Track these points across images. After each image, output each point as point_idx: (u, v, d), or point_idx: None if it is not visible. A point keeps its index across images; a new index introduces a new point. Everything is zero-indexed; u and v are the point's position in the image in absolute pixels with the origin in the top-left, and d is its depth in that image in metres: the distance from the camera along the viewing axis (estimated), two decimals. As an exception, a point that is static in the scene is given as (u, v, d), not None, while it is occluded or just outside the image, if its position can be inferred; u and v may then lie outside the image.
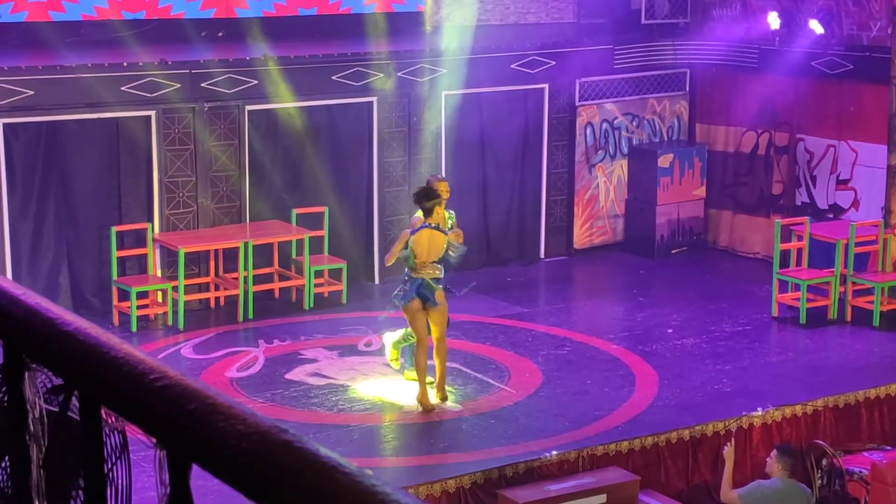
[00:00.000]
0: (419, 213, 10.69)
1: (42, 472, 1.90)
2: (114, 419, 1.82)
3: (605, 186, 16.27)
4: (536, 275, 15.28)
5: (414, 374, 10.92)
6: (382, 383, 11.51)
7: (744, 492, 9.67)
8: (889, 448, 11.09)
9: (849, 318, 13.48)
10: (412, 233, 10.54)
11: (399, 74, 14.44)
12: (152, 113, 13.27)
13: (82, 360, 1.59)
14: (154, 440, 1.52)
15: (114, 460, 2.19)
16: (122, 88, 12.98)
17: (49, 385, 1.92)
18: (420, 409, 10.70)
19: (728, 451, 9.99)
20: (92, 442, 1.65)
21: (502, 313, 13.41)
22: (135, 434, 1.65)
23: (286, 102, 13.79)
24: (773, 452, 9.84)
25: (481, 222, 15.44)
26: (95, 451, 1.67)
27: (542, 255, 15.80)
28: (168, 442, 1.46)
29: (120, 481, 2.22)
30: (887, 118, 13.97)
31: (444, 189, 10.84)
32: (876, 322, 13.29)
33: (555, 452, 9.95)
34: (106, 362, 1.55)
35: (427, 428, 10.62)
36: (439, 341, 10.60)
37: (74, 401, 1.82)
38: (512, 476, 9.71)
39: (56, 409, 1.90)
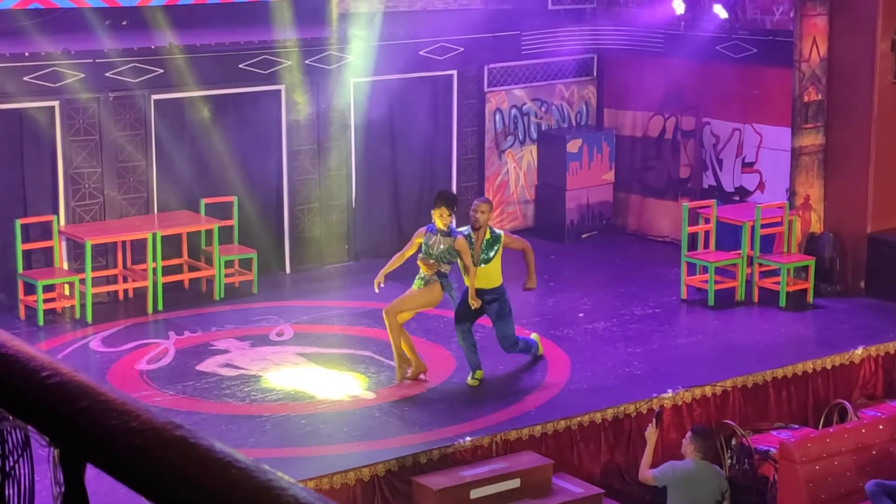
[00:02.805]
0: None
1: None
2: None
3: (514, 172, 16.33)
4: (448, 261, 15.30)
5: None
6: (295, 373, 11.46)
7: (658, 472, 9.78)
8: (796, 427, 11.26)
9: (756, 299, 13.66)
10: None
11: (307, 62, 14.35)
12: (56, 103, 13.06)
13: (-29, 358, 1.55)
14: (47, 438, 1.49)
15: (16, 457, 2.15)
16: (25, 79, 12.77)
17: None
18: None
19: (650, 432, 10.08)
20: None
21: (414, 300, 13.38)
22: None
23: (193, 91, 13.66)
24: (688, 434, 9.95)
25: (392, 209, 15.42)
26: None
27: (453, 242, 15.77)
28: (61, 440, 1.43)
29: (23, 479, 2.18)
30: (791, 101, 14.16)
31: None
32: (782, 303, 13.48)
33: (468, 438, 9.98)
34: (-4, 360, 1.51)
35: (340, 417, 10.59)
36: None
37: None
38: (426, 463, 9.71)
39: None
